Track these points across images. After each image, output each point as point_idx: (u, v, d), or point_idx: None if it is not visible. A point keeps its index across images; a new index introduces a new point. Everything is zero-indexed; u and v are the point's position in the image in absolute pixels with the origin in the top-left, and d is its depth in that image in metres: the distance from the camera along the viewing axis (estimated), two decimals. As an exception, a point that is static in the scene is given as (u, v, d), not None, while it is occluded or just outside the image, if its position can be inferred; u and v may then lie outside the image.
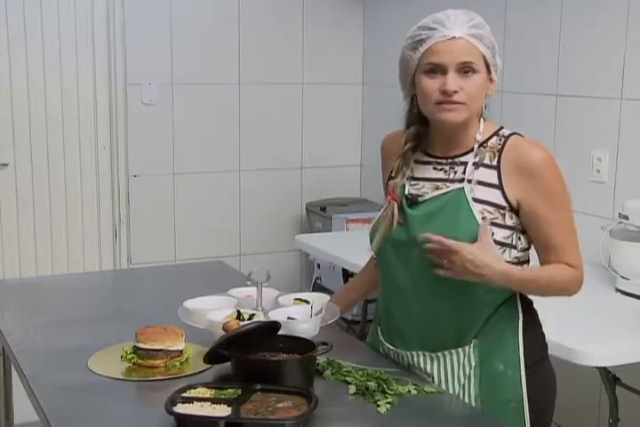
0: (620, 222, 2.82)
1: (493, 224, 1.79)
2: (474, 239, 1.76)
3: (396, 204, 1.87)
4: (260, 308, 2.04)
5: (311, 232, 4.61)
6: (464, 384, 1.85)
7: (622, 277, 2.82)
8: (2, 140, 4.20)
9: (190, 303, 2.07)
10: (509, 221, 1.81)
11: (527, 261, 1.88)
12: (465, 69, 1.75)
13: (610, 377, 2.65)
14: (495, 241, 1.79)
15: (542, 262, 1.86)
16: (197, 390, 1.69)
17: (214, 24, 4.46)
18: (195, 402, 1.62)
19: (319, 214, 4.58)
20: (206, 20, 4.44)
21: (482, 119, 1.85)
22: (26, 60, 4.16)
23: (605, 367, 2.57)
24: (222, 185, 4.63)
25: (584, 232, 3.05)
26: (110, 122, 4.35)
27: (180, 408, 1.59)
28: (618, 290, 2.84)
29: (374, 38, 4.67)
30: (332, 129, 4.83)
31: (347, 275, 3.96)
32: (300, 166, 4.80)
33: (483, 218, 1.78)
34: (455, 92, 1.74)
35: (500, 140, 1.83)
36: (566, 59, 3.35)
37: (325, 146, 4.83)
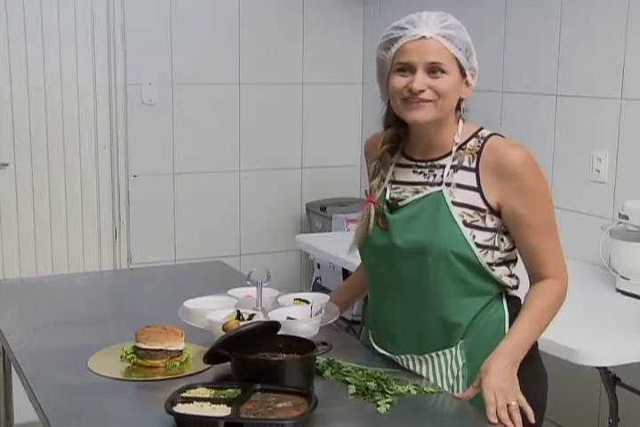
0: (620, 222, 2.82)
1: (473, 227, 1.79)
2: (454, 242, 1.77)
3: (372, 205, 1.88)
4: (259, 308, 2.04)
5: (311, 232, 4.61)
6: (453, 385, 1.85)
7: (622, 277, 2.82)
8: (2, 140, 4.20)
9: (190, 303, 2.07)
10: (490, 224, 1.80)
11: (514, 261, 1.88)
12: (433, 69, 1.75)
13: (610, 377, 2.64)
14: (477, 244, 1.79)
15: (527, 272, 1.86)
16: (197, 390, 1.69)
17: (214, 24, 4.46)
18: (194, 402, 1.62)
19: (319, 214, 4.58)
20: (206, 20, 4.44)
21: (460, 121, 1.85)
22: (26, 60, 4.16)
23: (605, 367, 2.57)
24: (222, 185, 4.63)
25: (584, 232, 3.07)
26: (110, 122, 4.35)
27: (180, 408, 1.59)
28: (618, 290, 2.84)
29: (374, 38, 4.64)
30: (331, 129, 4.83)
31: (347, 275, 3.95)
32: (299, 166, 4.80)
33: (463, 221, 1.78)
34: (422, 91, 1.74)
35: (479, 141, 1.82)
36: (566, 59, 3.35)
37: (325, 146, 4.83)
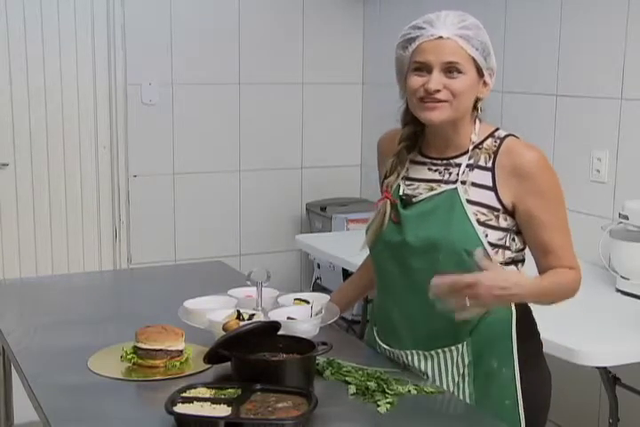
0: (620, 222, 2.82)
1: (487, 226, 1.80)
2: (467, 241, 1.77)
3: (388, 202, 1.88)
4: (259, 308, 2.04)
5: (311, 232, 4.61)
6: (458, 382, 1.85)
7: (622, 277, 2.82)
8: (2, 140, 4.20)
9: (190, 303, 2.07)
10: (503, 223, 1.81)
11: (522, 261, 1.89)
12: (450, 69, 1.75)
13: (610, 377, 2.64)
14: (489, 243, 1.80)
15: (540, 267, 1.86)
16: (197, 390, 1.69)
17: (214, 24, 4.46)
18: (195, 402, 1.62)
19: (319, 214, 4.58)
20: (206, 20, 4.44)
21: (477, 120, 1.86)
22: (26, 60, 4.16)
23: (605, 367, 2.57)
24: (222, 185, 4.63)
25: (584, 232, 3.06)
26: (110, 122, 4.35)
27: (180, 408, 1.59)
28: (618, 290, 2.84)
29: (374, 38, 4.67)
30: (332, 129, 4.83)
31: (347, 275, 3.95)
32: (299, 166, 4.80)
33: (477, 220, 1.79)
34: (437, 91, 1.75)
35: (496, 141, 1.83)
36: (566, 59, 3.35)
37: (325, 146, 4.83)
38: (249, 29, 4.53)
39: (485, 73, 1.80)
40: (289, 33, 4.65)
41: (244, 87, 4.58)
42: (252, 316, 1.96)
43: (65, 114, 4.28)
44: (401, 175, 1.90)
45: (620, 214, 2.84)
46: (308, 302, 2.06)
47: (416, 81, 1.77)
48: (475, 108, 1.84)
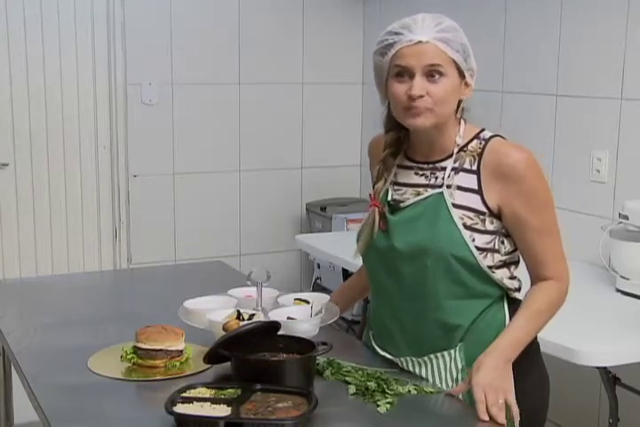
0: (620, 222, 2.82)
1: (473, 230, 1.78)
2: (454, 245, 1.77)
3: (377, 209, 1.88)
4: (259, 308, 2.04)
5: (311, 232, 4.61)
6: (452, 387, 1.84)
7: (622, 277, 2.82)
8: (2, 140, 4.20)
9: (190, 303, 2.07)
10: (490, 226, 1.80)
11: (515, 263, 1.87)
12: (432, 73, 1.73)
13: (610, 377, 2.65)
14: (476, 247, 1.78)
15: (530, 275, 1.86)
16: (197, 390, 1.69)
17: (214, 24, 4.46)
18: (195, 402, 1.62)
19: (319, 214, 4.58)
20: (206, 20, 4.44)
21: (462, 121, 1.84)
22: (26, 60, 4.16)
23: (605, 367, 2.58)
24: (222, 185, 4.63)
25: (584, 232, 3.07)
26: (110, 122, 4.35)
27: (180, 408, 1.59)
28: (618, 290, 2.84)
29: (374, 38, 4.65)
30: (331, 129, 4.83)
31: (347, 275, 3.95)
32: (299, 166, 4.80)
33: (463, 224, 1.77)
34: (421, 96, 1.73)
35: (481, 143, 1.81)
36: (566, 59, 3.35)
37: (325, 146, 4.83)
38: (249, 29, 4.53)
39: (467, 74, 1.78)
40: (289, 33, 4.64)
41: (244, 87, 4.58)
42: (252, 316, 1.96)
43: (65, 114, 4.28)
44: (388, 181, 1.89)
45: (620, 214, 2.84)
46: (308, 302, 2.06)
47: (399, 89, 1.75)
48: (458, 108, 1.82)
